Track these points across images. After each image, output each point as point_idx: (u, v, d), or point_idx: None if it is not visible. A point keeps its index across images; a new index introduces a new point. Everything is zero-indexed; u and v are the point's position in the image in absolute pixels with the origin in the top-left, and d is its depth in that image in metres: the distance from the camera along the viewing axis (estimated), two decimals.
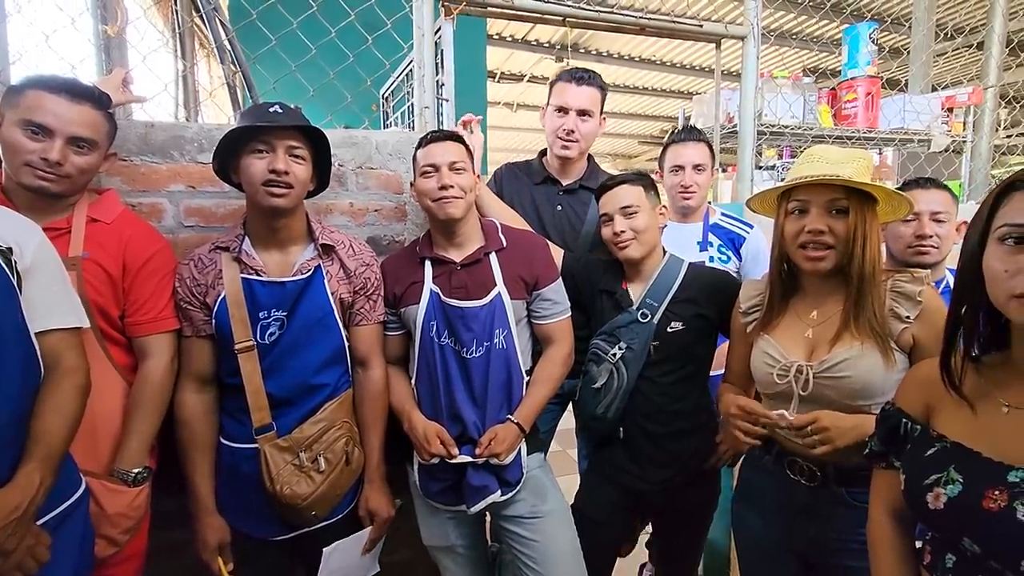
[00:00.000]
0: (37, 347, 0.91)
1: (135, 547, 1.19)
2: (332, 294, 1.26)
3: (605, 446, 1.48)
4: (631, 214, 1.38)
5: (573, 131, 1.65)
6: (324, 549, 1.26)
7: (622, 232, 1.38)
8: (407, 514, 1.47)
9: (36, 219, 1.02)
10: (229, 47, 1.75)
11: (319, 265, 1.25)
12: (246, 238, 1.24)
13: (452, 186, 1.29)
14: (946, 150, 2.91)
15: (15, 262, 0.88)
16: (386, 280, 1.38)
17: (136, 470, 1.15)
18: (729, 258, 1.78)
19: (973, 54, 5.11)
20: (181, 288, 1.21)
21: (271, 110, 1.16)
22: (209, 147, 1.41)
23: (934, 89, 3.27)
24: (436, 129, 1.48)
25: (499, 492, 1.31)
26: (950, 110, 2.92)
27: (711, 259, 1.76)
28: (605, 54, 6.51)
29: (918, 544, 0.83)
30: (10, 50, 1.38)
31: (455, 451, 1.29)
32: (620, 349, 1.38)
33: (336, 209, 1.57)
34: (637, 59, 6.72)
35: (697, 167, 1.77)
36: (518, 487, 1.35)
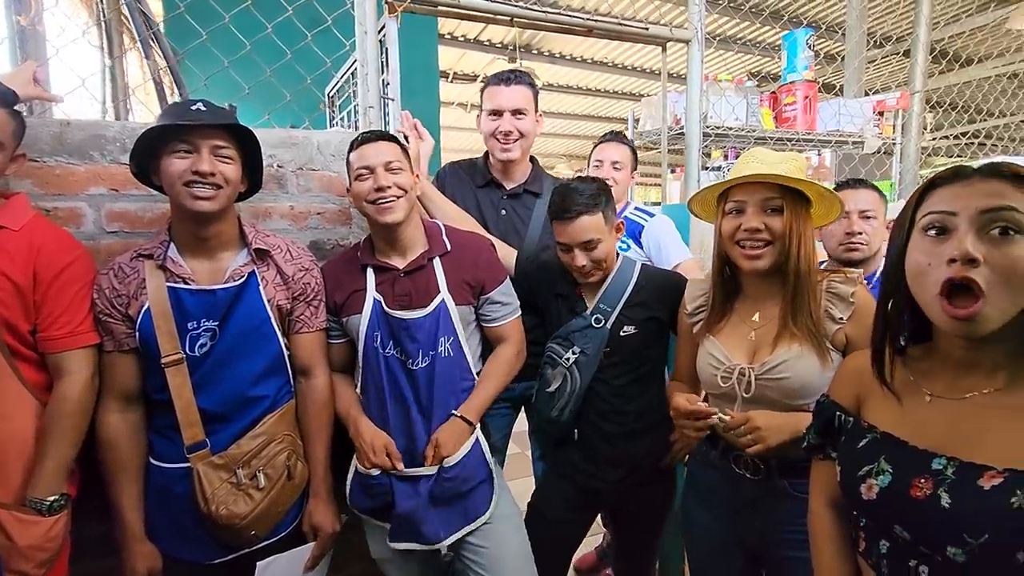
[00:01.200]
0: None
1: None
2: (268, 301, 1.20)
3: (561, 446, 1.48)
4: (593, 247, 1.35)
5: (510, 132, 1.64)
6: (258, 563, 1.19)
7: (583, 265, 1.36)
8: (356, 528, 1.42)
9: None
10: (155, 40, 1.64)
11: (253, 271, 1.19)
12: (171, 244, 1.16)
13: (389, 186, 1.24)
14: (878, 151, 3.06)
15: None
16: (327, 286, 1.33)
17: (51, 498, 1.05)
18: (629, 246, 1.87)
19: (901, 61, 5.43)
20: (100, 300, 1.13)
21: (193, 108, 1.09)
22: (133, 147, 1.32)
23: (866, 94, 3.45)
24: (367, 130, 1.43)
25: (438, 539, 1.27)
26: (881, 114, 3.08)
27: None
28: (557, 55, 6.56)
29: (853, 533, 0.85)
30: None
31: (400, 465, 1.26)
32: (574, 354, 1.39)
33: (275, 212, 1.50)
34: (589, 61, 6.80)
35: (615, 164, 1.99)
36: (479, 525, 1.31)
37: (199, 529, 1.17)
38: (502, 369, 1.39)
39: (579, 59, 6.71)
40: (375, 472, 1.27)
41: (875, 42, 4.03)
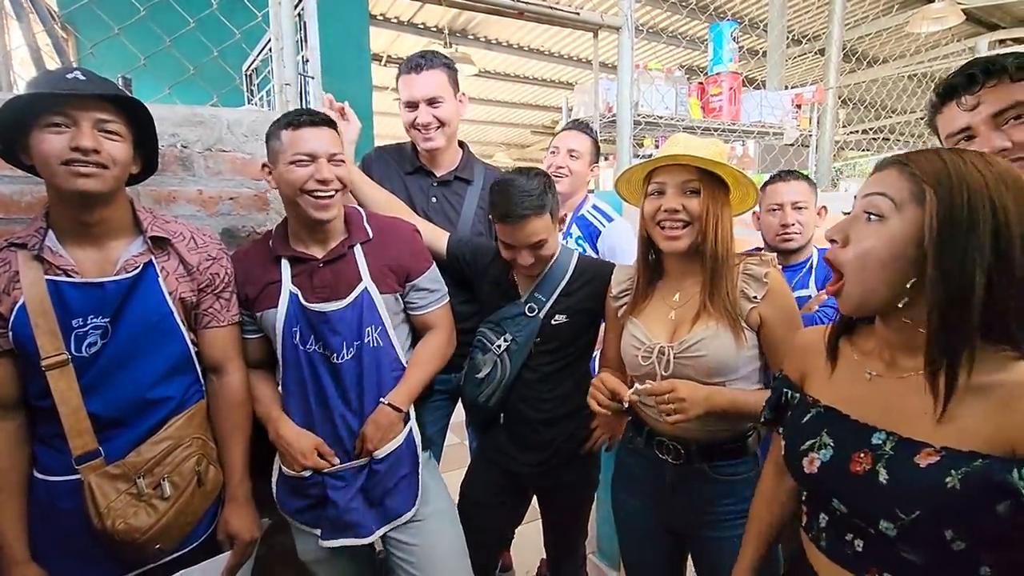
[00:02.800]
0: None
1: None
2: (170, 294, 1.09)
3: (489, 429, 1.48)
4: (539, 247, 1.33)
5: (429, 122, 1.55)
6: None
7: (528, 263, 1.34)
8: (282, 530, 1.34)
9: None
10: (30, 2, 1.45)
11: (150, 261, 1.08)
12: (50, 232, 1.03)
13: (332, 180, 1.16)
14: (796, 143, 3.23)
15: None
16: (237, 278, 1.23)
17: None
18: (585, 250, 1.85)
19: (815, 59, 5.76)
20: None
21: (69, 76, 0.96)
22: None
23: (786, 88, 3.62)
24: (306, 108, 1.33)
25: (371, 533, 1.23)
26: (799, 106, 3.24)
27: None
28: (494, 41, 6.47)
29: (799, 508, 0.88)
30: None
31: (335, 460, 1.21)
32: (505, 341, 1.38)
33: (181, 197, 1.38)
34: (526, 48, 6.76)
35: (572, 152, 1.89)
36: (405, 521, 1.27)
37: (94, 547, 1.05)
38: (432, 355, 1.36)
39: (515, 46, 6.65)
40: (306, 474, 1.21)
41: (793, 38, 4.24)
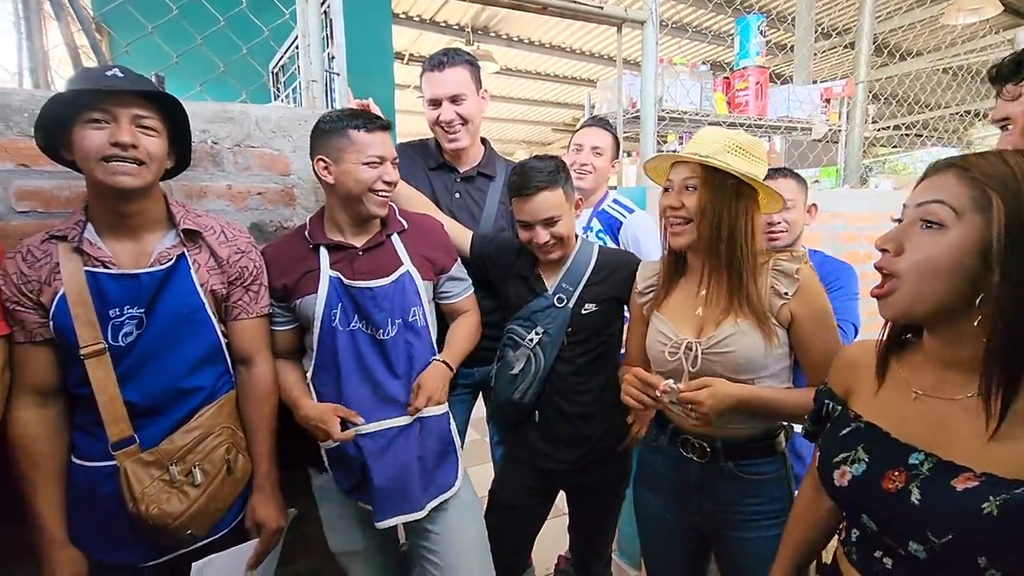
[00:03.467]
0: None
1: None
2: (201, 286, 1.12)
3: (519, 428, 1.47)
4: (554, 223, 1.34)
5: (452, 120, 1.57)
6: (193, 564, 1.12)
7: (545, 242, 1.35)
8: (307, 520, 1.37)
9: None
10: (68, 2, 1.49)
11: (183, 254, 1.10)
12: (88, 225, 1.06)
13: (396, 182, 1.24)
14: (824, 138, 3.16)
15: None
16: (271, 271, 1.26)
17: None
18: (606, 243, 1.84)
19: (845, 52, 5.62)
20: (7, 287, 1.02)
21: (108, 73, 0.99)
22: None
23: (814, 82, 3.54)
24: (370, 113, 1.34)
25: (422, 507, 1.25)
26: (827, 101, 3.17)
27: None
28: (516, 39, 6.46)
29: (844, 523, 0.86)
30: None
31: (358, 420, 1.22)
32: (537, 334, 1.38)
33: (212, 192, 1.41)
34: (548, 45, 6.73)
35: (595, 149, 1.88)
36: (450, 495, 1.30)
37: (129, 531, 1.08)
38: (470, 331, 1.43)
39: (537, 43, 6.63)
40: (332, 444, 1.24)
41: (822, 31, 4.14)
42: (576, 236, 1.46)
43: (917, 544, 0.65)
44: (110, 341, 1.05)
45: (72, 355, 1.04)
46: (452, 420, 1.36)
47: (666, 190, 1.15)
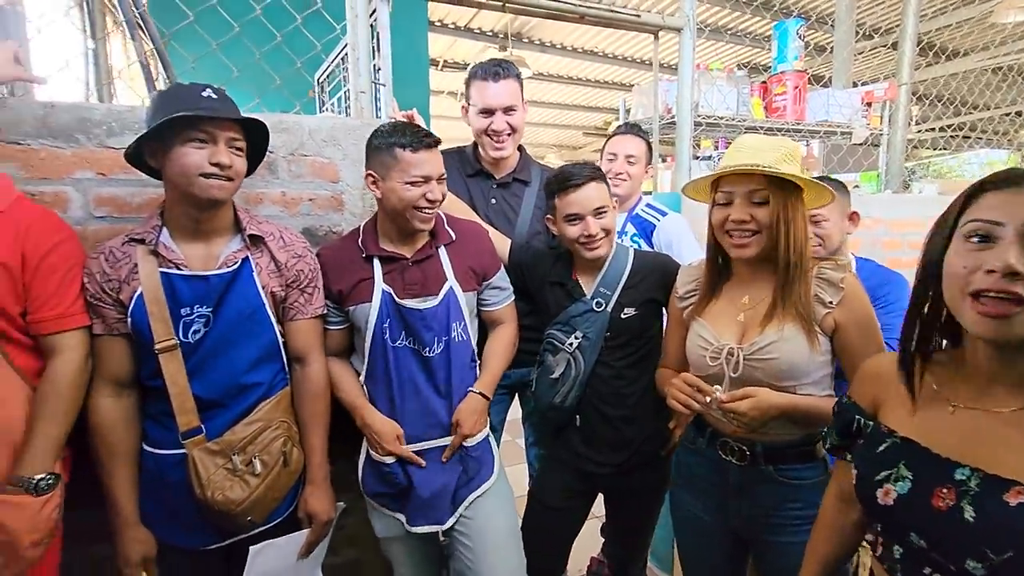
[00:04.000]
0: None
1: (43, 569, 1.09)
2: (262, 288, 1.19)
3: (560, 432, 1.49)
4: (603, 214, 1.38)
5: (503, 130, 1.62)
6: (251, 548, 1.19)
7: (596, 234, 1.37)
8: (351, 513, 1.42)
9: None
10: (141, 22, 1.60)
11: (247, 257, 1.18)
12: (164, 229, 1.15)
13: (439, 200, 1.28)
14: (865, 142, 3.09)
15: None
16: (327, 275, 1.32)
17: (39, 476, 1.03)
18: (640, 246, 1.85)
19: (888, 53, 5.47)
20: (91, 284, 1.11)
21: (204, 94, 1.08)
22: (120, 130, 1.30)
23: (854, 85, 3.47)
24: (418, 129, 1.38)
25: (450, 519, 1.32)
26: (868, 104, 3.11)
27: None
28: (548, 44, 6.51)
29: (869, 537, 0.85)
30: None
31: (416, 458, 1.30)
32: (576, 338, 1.40)
33: (267, 198, 1.49)
34: (580, 50, 6.76)
35: (629, 158, 1.89)
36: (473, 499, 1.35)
37: (194, 515, 1.16)
38: (506, 348, 1.46)
39: (570, 48, 6.67)
40: (389, 460, 1.29)
41: (864, 33, 4.05)
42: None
43: (975, 562, 0.64)
44: (181, 337, 1.13)
45: (146, 349, 1.12)
46: (492, 437, 1.43)
47: (723, 203, 1.13)
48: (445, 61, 6.85)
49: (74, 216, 1.28)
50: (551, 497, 1.51)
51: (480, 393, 1.35)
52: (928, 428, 0.75)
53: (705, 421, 1.20)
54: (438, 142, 1.31)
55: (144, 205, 1.34)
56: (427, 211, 1.28)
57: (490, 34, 6.10)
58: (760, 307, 1.12)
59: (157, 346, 1.10)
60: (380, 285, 1.29)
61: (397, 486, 1.30)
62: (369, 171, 1.31)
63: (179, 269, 1.12)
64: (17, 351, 1.05)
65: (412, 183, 1.25)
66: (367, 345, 1.30)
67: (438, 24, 5.80)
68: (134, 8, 1.61)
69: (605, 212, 1.38)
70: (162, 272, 1.11)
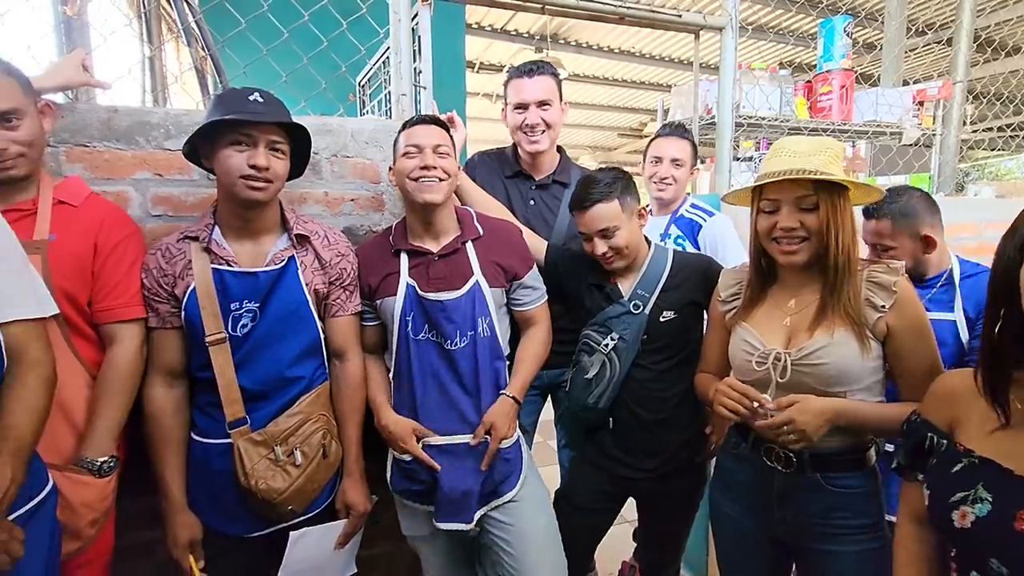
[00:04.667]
0: (1, 339, 0.87)
1: (100, 547, 1.15)
2: (306, 285, 1.23)
3: (593, 435, 1.49)
4: (610, 235, 1.37)
5: (537, 124, 1.64)
6: (291, 533, 1.23)
7: (604, 253, 1.38)
8: (386, 506, 1.45)
9: (1, 201, 1.02)
10: (197, 29, 1.68)
11: (293, 255, 1.22)
12: (216, 227, 1.20)
13: (435, 167, 1.27)
14: (916, 143, 2.97)
15: None
16: (360, 270, 1.36)
17: (102, 459, 1.11)
18: (684, 248, 1.82)
19: (942, 50, 5.23)
20: (147, 279, 1.17)
21: (251, 98, 1.12)
22: (176, 133, 1.36)
23: (905, 83, 3.34)
24: (423, 114, 1.45)
25: (473, 518, 1.30)
26: (921, 104, 2.98)
27: None
28: (584, 45, 6.49)
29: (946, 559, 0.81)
30: None
31: (433, 436, 1.30)
32: (612, 340, 1.39)
33: (310, 198, 1.53)
34: (616, 51, 6.71)
35: (675, 161, 1.85)
36: (504, 501, 1.34)
37: (238, 503, 1.21)
38: (538, 351, 1.43)
39: (606, 49, 6.62)
40: (407, 458, 1.31)
41: (916, 30, 3.89)
42: (649, 243, 1.48)
43: None
44: (229, 331, 1.17)
45: (198, 342, 1.17)
46: (523, 442, 1.41)
47: (769, 211, 1.10)
48: (481, 63, 6.91)
49: (133, 214, 1.35)
50: (581, 498, 1.50)
51: (512, 397, 1.35)
52: (1009, 448, 0.72)
53: (748, 426, 1.17)
54: (435, 120, 1.34)
55: (197, 204, 1.40)
56: (426, 182, 1.26)
57: (526, 36, 6.11)
58: (807, 311, 1.09)
59: (208, 339, 1.15)
60: (405, 279, 1.31)
61: (423, 483, 1.32)
62: (390, 166, 1.37)
63: (229, 266, 1.17)
64: (81, 341, 1.12)
65: (406, 155, 1.28)
66: (394, 339, 1.33)
67: (475, 26, 5.85)
68: (191, 16, 1.68)
69: (613, 232, 1.35)
70: (213, 268, 1.16)
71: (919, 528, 0.87)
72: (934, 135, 3.05)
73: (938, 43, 4.69)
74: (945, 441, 0.81)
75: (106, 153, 1.33)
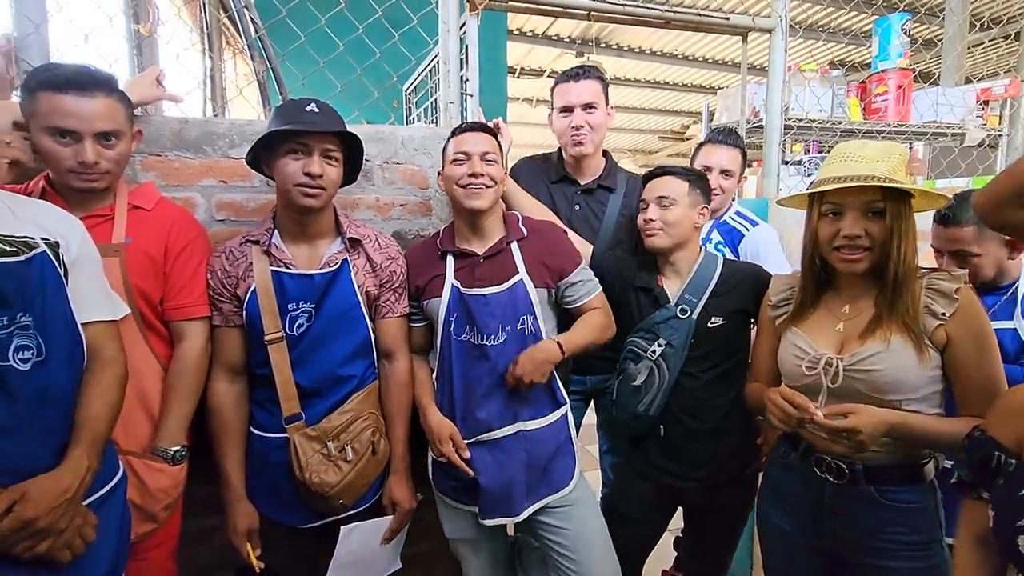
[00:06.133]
0: (84, 337, 0.95)
1: (169, 530, 1.23)
2: (358, 287, 1.28)
3: (639, 444, 1.47)
4: (666, 205, 1.38)
5: (581, 126, 1.64)
6: (342, 527, 1.28)
7: (651, 221, 1.39)
8: (429, 506, 1.49)
9: (82, 208, 1.10)
10: (259, 44, 1.78)
11: (346, 258, 1.27)
12: (275, 231, 1.26)
13: (483, 175, 1.30)
14: (981, 144, 2.83)
15: (62, 255, 0.91)
16: (409, 271, 1.40)
17: (175, 448, 1.19)
18: (724, 255, 1.75)
19: (1010, 45, 4.94)
20: (212, 279, 1.24)
21: (308, 108, 1.18)
22: (240, 142, 1.44)
23: (968, 82, 3.18)
24: (472, 121, 1.49)
25: (522, 510, 1.31)
26: (985, 103, 2.84)
27: None
28: (626, 49, 6.45)
29: None
30: (52, 49, 1.41)
31: (466, 454, 1.32)
32: (660, 346, 1.38)
33: (362, 204, 1.59)
34: (659, 53, 6.64)
35: (725, 172, 1.79)
36: (562, 496, 1.35)
37: (293, 495, 1.26)
38: (595, 324, 1.38)
39: (650, 52, 6.56)
40: (443, 459, 1.33)
41: (980, 25, 3.69)
42: (701, 248, 1.47)
43: None
44: (286, 331, 1.23)
45: (257, 340, 1.24)
46: (570, 422, 1.40)
47: (831, 214, 1.07)
48: (521, 68, 6.96)
49: (199, 218, 1.43)
50: (629, 508, 1.48)
51: (557, 342, 1.30)
52: None
53: (799, 435, 1.15)
54: (483, 127, 1.37)
55: (258, 210, 1.48)
56: (473, 189, 1.29)
57: (567, 40, 6.13)
58: (862, 317, 1.06)
59: (267, 337, 1.21)
60: (450, 280, 1.34)
61: (463, 480, 1.33)
62: (439, 172, 1.41)
63: (287, 268, 1.23)
64: (154, 337, 1.20)
65: (455, 162, 1.32)
66: (438, 340, 1.36)
67: (516, 33, 5.90)
68: (254, 31, 1.78)
69: (671, 205, 1.39)
70: (272, 270, 1.23)
71: (981, 550, 0.84)
72: (1000, 136, 2.90)
73: (1005, 39, 4.44)
74: (1014, 461, 0.77)
75: (176, 162, 1.42)
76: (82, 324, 0.95)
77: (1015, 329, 1.34)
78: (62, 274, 0.90)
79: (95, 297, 0.98)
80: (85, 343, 0.95)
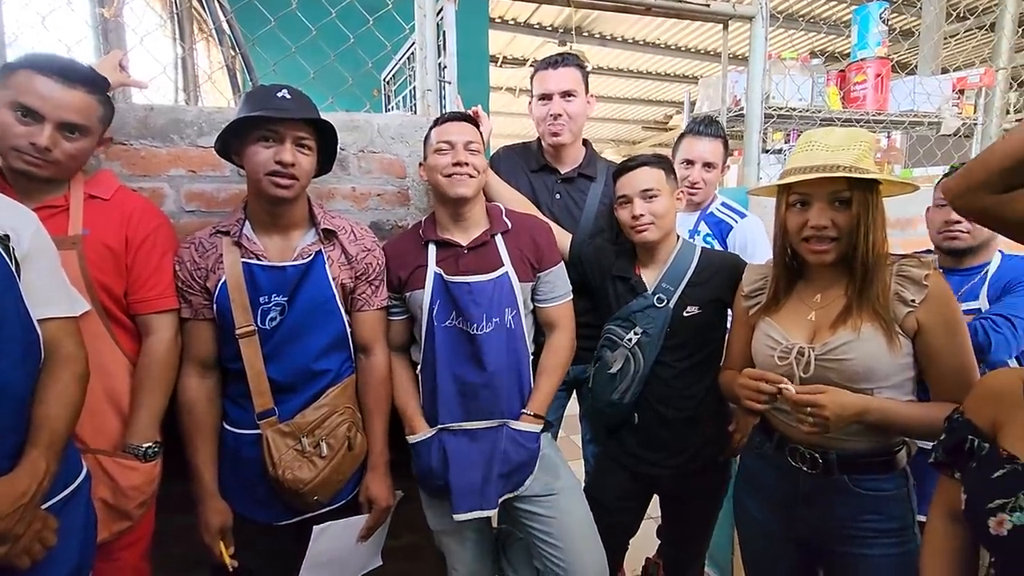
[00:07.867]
0: (40, 335, 0.91)
1: (143, 530, 1.20)
2: (333, 279, 1.25)
3: (615, 432, 1.48)
4: (651, 198, 1.37)
5: (560, 114, 1.62)
6: (314, 527, 1.26)
7: (641, 216, 1.36)
8: (411, 498, 1.47)
9: (32, 198, 1.04)
10: (228, 29, 1.72)
11: (320, 250, 1.24)
12: (247, 222, 1.23)
13: (466, 163, 1.28)
14: (956, 133, 2.87)
15: (13, 249, 0.87)
16: (389, 264, 1.37)
17: (147, 445, 1.15)
18: (712, 247, 1.76)
19: (985, 35, 5.01)
20: (181, 271, 1.20)
21: (279, 95, 1.14)
22: (209, 131, 1.39)
23: (944, 71, 3.22)
24: (454, 111, 1.46)
25: (494, 504, 1.31)
26: (961, 92, 2.88)
27: None
28: (609, 37, 6.41)
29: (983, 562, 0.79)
30: (6, 31, 1.35)
31: (441, 436, 1.33)
32: (636, 334, 1.38)
33: (338, 193, 1.55)
34: (641, 42, 6.62)
35: (708, 165, 1.77)
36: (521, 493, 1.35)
37: (268, 492, 1.24)
38: (561, 360, 1.42)
39: (632, 41, 6.53)
40: (421, 437, 1.34)
41: (957, 15, 3.73)
42: (678, 237, 1.46)
43: None
44: (258, 324, 1.20)
45: (228, 334, 1.20)
46: (546, 438, 1.41)
47: (798, 204, 1.07)
48: (504, 57, 6.89)
49: (167, 210, 1.39)
50: (606, 497, 1.49)
51: (534, 415, 1.35)
52: None
53: (772, 426, 1.15)
54: (465, 117, 1.36)
55: (229, 200, 1.43)
56: (457, 178, 1.29)
57: (549, 29, 6.07)
58: (833, 306, 1.07)
59: (238, 331, 1.18)
60: (432, 268, 1.32)
61: (441, 477, 1.32)
62: (420, 163, 1.39)
63: (259, 260, 1.20)
64: (120, 331, 1.16)
65: (438, 151, 1.31)
66: (422, 329, 1.34)
67: (498, 21, 5.83)
68: (222, 16, 1.72)
69: (655, 196, 1.37)
70: (244, 262, 1.19)
71: (952, 524, 0.85)
72: (975, 125, 2.94)
73: (980, 29, 4.50)
74: (987, 445, 0.78)
75: (142, 151, 1.36)
76: (38, 321, 0.90)
77: (978, 309, 1.39)
78: (13, 268, 0.86)
79: (51, 292, 0.93)
80: (41, 340, 0.91)
